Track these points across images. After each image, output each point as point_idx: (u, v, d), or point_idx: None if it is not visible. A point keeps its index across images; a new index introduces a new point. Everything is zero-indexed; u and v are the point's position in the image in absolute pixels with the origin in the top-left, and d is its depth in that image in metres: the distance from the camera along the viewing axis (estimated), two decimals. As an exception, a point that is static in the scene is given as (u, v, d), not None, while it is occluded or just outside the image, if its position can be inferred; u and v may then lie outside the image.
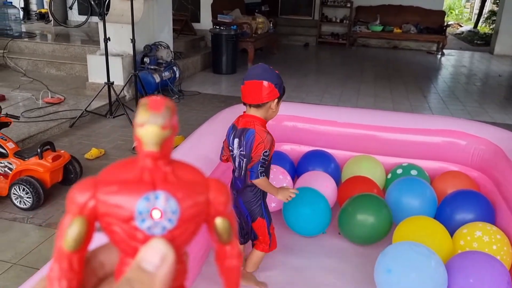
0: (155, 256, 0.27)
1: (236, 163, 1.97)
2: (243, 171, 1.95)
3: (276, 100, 1.92)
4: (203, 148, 2.41)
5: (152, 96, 0.31)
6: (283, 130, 3.09)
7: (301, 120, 3.12)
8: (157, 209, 0.29)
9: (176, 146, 2.53)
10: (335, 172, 2.98)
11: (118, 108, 4.62)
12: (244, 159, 1.93)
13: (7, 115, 3.13)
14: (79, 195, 0.30)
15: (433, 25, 10.06)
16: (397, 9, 10.28)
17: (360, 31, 10.24)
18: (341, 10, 10.36)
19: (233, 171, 2.03)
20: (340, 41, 10.26)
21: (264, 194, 2.06)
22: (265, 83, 1.87)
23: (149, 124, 0.29)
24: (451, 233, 2.29)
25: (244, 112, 1.99)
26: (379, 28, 10.16)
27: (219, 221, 0.31)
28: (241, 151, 1.92)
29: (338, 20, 10.36)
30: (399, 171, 2.91)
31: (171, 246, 0.29)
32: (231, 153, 1.97)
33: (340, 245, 2.53)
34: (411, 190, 2.61)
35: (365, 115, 3.20)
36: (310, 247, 2.51)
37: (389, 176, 2.95)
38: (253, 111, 1.94)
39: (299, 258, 2.41)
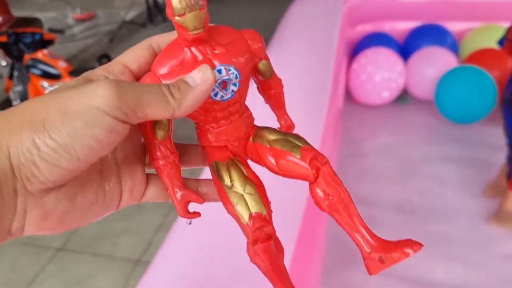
0: (198, 75, 0.28)
1: None
2: None
3: None
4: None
5: None
6: (376, 4, 2.47)
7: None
8: (224, 81, 0.30)
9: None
10: (452, 50, 2.40)
11: (157, 14, 4.09)
12: None
13: (50, 30, 2.69)
14: None
15: None
16: None
17: None
18: None
19: None
20: None
21: None
22: None
23: (189, 12, 0.27)
24: None
25: None
26: None
27: (261, 64, 0.32)
28: None
29: None
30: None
31: (215, 73, 0.29)
32: None
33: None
34: None
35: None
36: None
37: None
38: None
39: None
